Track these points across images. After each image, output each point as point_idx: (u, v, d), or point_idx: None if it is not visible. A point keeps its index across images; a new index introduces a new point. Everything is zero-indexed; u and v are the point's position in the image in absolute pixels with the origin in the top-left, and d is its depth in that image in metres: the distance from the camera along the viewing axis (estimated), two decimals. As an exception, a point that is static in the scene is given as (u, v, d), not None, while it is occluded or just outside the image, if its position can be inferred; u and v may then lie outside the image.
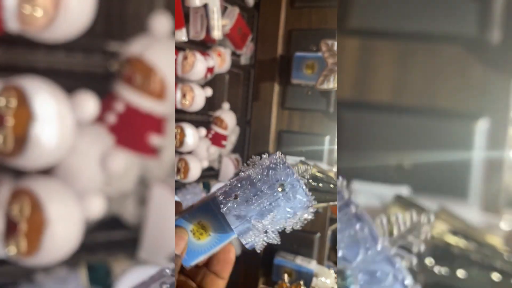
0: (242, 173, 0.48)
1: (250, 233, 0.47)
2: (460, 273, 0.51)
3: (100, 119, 1.15)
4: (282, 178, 0.45)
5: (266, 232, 0.46)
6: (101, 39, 1.24)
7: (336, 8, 1.18)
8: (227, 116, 1.61)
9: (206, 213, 0.50)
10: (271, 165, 0.46)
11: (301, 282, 1.23)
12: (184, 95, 1.41)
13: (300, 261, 1.29)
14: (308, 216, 0.46)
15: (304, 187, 0.46)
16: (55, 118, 0.94)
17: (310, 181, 1.05)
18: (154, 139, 1.27)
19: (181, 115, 1.47)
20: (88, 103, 1.01)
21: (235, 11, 1.53)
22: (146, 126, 1.24)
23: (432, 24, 0.70)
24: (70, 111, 0.98)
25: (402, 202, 0.59)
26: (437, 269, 0.53)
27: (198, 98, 1.44)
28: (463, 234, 0.54)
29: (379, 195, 0.65)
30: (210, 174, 1.68)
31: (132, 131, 1.21)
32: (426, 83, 0.72)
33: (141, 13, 1.31)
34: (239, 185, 0.46)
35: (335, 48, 1.02)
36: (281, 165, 0.46)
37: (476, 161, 0.70)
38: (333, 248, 1.44)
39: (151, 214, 1.25)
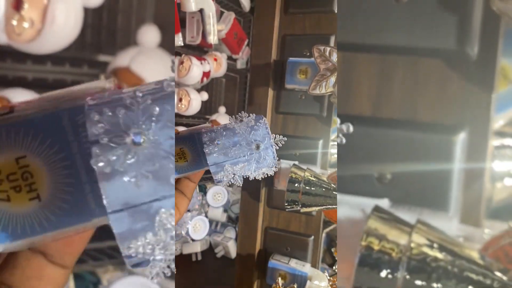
0: (229, 124, 0.55)
1: (221, 173, 0.54)
2: (437, 286, 0.52)
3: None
4: (260, 140, 0.54)
5: (234, 175, 0.54)
6: (90, 51, 1.24)
7: (329, 14, 1.20)
8: (224, 120, 1.62)
9: (190, 143, 0.58)
10: (255, 126, 0.54)
11: (295, 286, 1.23)
12: (180, 99, 1.42)
13: (295, 264, 1.30)
14: (270, 173, 0.56)
15: (274, 151, 0.55)
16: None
17: (303, 185, 1.06)
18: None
19: (178, 119, 1.48)
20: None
21: (231, 16, 1.54)
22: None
23: (412, 38, 0.70)
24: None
25: (381, 214, 0.60)
26: (413, 282, 0.54)
27: (194, 102, 1.45)
28: (441, 246, 0.55)
29: (362, 207, 0.66)
30: (206, 177, 1.69)
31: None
32: (406, 96, 0.73)
33: (130, 26, 1.32)
34: (224, 134, 0.54)
35: (327, 53, 1.03)
36: (263, 129, 0.54)
37: (457, 173, 0.70)
38: (328, 250, 1.45)
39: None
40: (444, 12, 0.67)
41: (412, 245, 0.52)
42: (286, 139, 0.57)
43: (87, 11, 1.02)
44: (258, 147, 0.54)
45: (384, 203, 0.67)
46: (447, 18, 0.67)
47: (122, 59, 1.18)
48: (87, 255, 1.24)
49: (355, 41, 0.72)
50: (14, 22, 0.87)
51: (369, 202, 0.65)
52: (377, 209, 0.58)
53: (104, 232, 1.10)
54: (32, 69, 1.14)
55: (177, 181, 0.62)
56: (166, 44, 1.25)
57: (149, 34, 1.25)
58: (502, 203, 0.75)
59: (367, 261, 0.53)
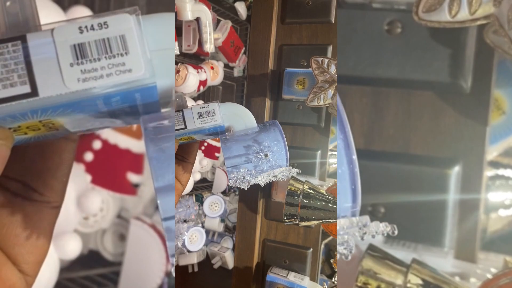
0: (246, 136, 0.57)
1: (234, 175, 0.55)
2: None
3: (77, 158, 1.15)
4: (269, 146, 0.55)
5: (243, 177, 0.55)
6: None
7: (326, 24, 1.18)
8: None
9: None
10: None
11: (294, 299, 1.23)
12: (176, 109, 1.40)
13: (293, 278, 1.29)
14: (285, 178, 0.56)
15: (287, 154, 0.56)
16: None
17: (302, 198, 1.05)
18: (131, 177, 1.27)
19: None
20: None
21: (227, 25, 1.53)
22: (123, 164, 1.23)
23: (405, 70, 0.69)
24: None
25: (375, 253, 0.60)
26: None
27: (191, 111, 1.43)
28: (437, 287, 0.54)
29: (356, 243, 0.65)
30: (203, 186, 1.69)
31: (109, 169, 1.19)
32: (400, 128, 0.72)
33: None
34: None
35: (325, 65, 1.02)
36: (273, 132, 0.57)
37: (452, 206, 0.69)
38: (326, 261, 1.44)
39: (128, 251, 1.25)
40: (437, 45, 0.66)
41: (408, 285, 0.52)
42: (299, 171, 0.57)
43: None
44: (267, 155, 0.55)
45: (378, 238, 0.66)
46: (440, 51, 0.66)
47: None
48: (77, 283, 1.23)
49: (348, 73, 0.71)
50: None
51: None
52: (371, 248, 0.57)
53: (93, 260, 1.08)
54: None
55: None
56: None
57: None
58: (496, 234, 0.74)
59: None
